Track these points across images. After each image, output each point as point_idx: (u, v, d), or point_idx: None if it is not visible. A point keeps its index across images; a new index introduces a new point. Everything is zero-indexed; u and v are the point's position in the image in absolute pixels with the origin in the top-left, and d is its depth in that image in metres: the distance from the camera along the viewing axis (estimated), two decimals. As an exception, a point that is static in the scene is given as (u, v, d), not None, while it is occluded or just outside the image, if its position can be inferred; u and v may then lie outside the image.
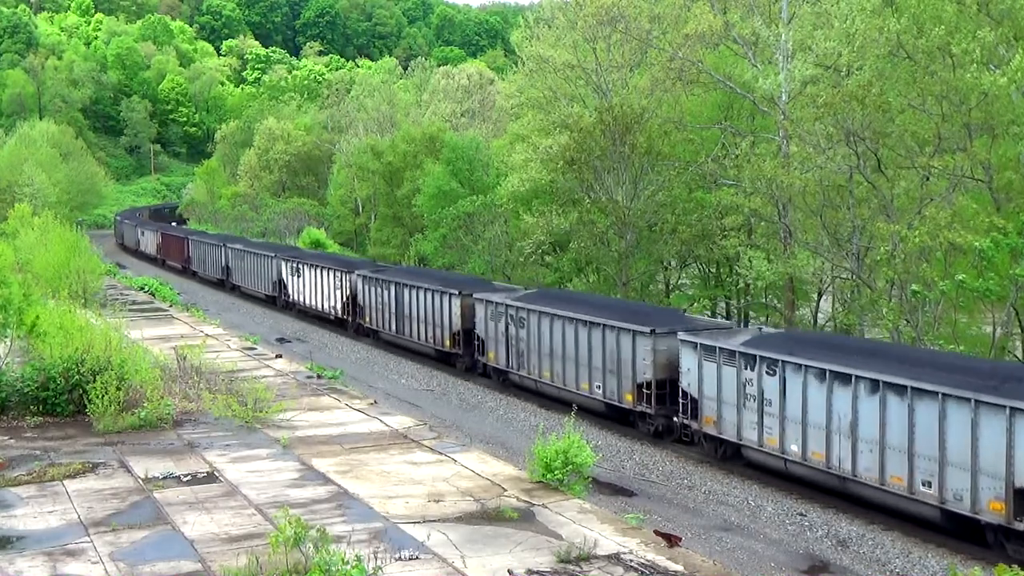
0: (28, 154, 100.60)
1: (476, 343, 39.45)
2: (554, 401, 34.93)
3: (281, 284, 60.02)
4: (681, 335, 28.99)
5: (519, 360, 36.41)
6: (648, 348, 30.05)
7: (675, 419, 29.50)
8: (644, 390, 30.35)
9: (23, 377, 28.13)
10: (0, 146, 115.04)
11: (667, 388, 29.91)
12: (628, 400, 31.00)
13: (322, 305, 53.94)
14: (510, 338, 36.77)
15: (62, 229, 54.81)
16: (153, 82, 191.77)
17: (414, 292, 43.91)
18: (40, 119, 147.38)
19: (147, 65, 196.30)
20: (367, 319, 49.12)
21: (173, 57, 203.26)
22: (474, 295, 39.57)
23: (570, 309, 33.99)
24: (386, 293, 46.73)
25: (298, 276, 56.78)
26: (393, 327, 46.30)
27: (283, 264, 59.27)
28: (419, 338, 43.92)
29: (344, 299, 51.49)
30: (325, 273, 53.42)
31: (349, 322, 51.20)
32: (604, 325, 31.79)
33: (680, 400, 29.07)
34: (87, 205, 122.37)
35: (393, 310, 46.13)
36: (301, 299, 56.84)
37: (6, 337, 29.82)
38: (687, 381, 28.65)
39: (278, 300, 60.69)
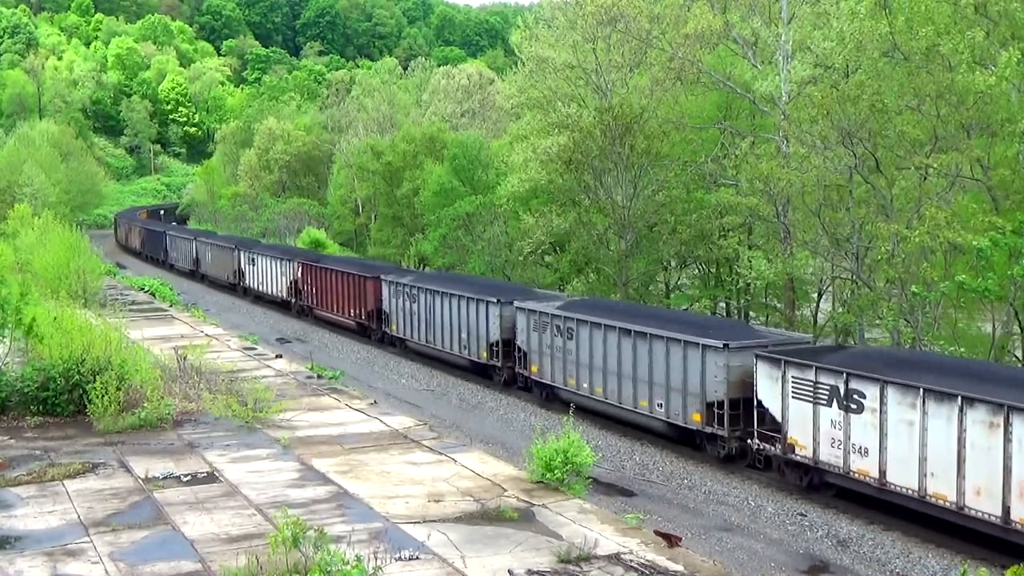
0: (28, 154, 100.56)
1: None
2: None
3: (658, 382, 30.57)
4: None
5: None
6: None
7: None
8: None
9: (23, 377, 28.15)
10: (0, 146, 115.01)
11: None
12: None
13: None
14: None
15: (62, 229, 54.83)
16: (153, 82, 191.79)
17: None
18: (40, 119, 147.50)
19: (147, 65, 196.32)
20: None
21: (173, 57, 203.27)
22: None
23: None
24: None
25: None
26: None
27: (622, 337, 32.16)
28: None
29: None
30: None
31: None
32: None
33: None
34: (87, 205, 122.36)
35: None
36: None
37: (4, 337, 29.83)
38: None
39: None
